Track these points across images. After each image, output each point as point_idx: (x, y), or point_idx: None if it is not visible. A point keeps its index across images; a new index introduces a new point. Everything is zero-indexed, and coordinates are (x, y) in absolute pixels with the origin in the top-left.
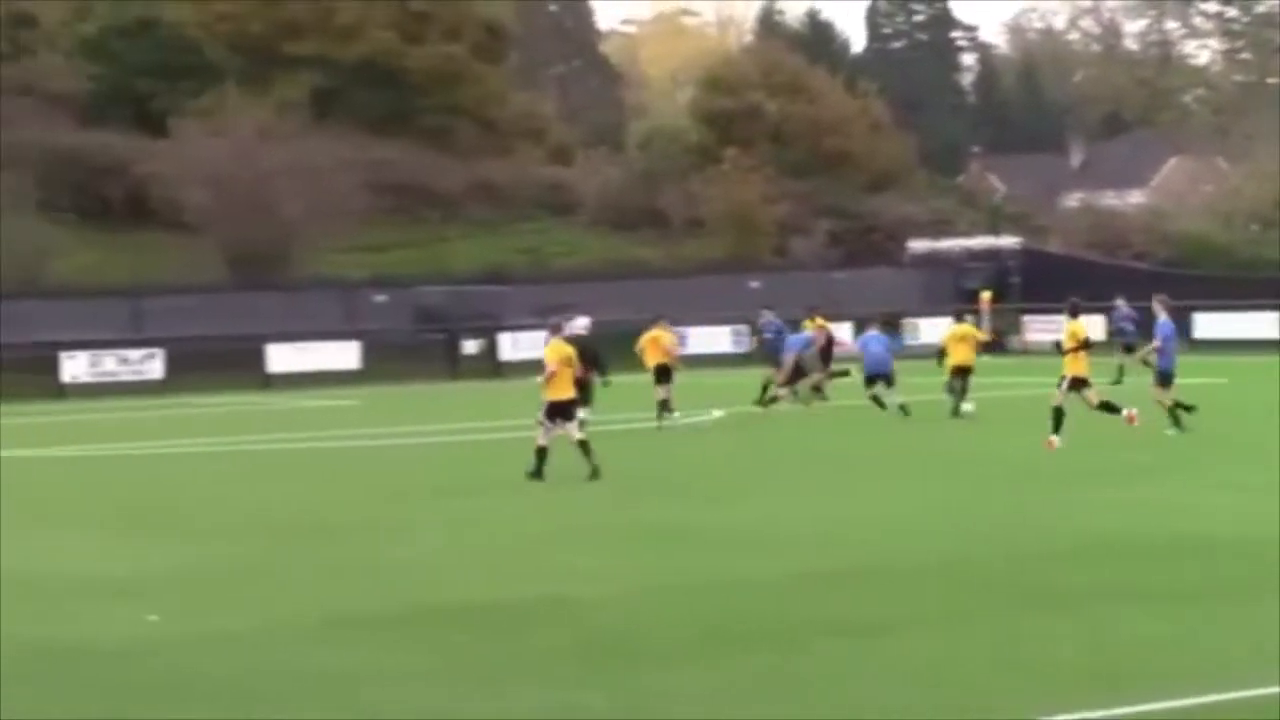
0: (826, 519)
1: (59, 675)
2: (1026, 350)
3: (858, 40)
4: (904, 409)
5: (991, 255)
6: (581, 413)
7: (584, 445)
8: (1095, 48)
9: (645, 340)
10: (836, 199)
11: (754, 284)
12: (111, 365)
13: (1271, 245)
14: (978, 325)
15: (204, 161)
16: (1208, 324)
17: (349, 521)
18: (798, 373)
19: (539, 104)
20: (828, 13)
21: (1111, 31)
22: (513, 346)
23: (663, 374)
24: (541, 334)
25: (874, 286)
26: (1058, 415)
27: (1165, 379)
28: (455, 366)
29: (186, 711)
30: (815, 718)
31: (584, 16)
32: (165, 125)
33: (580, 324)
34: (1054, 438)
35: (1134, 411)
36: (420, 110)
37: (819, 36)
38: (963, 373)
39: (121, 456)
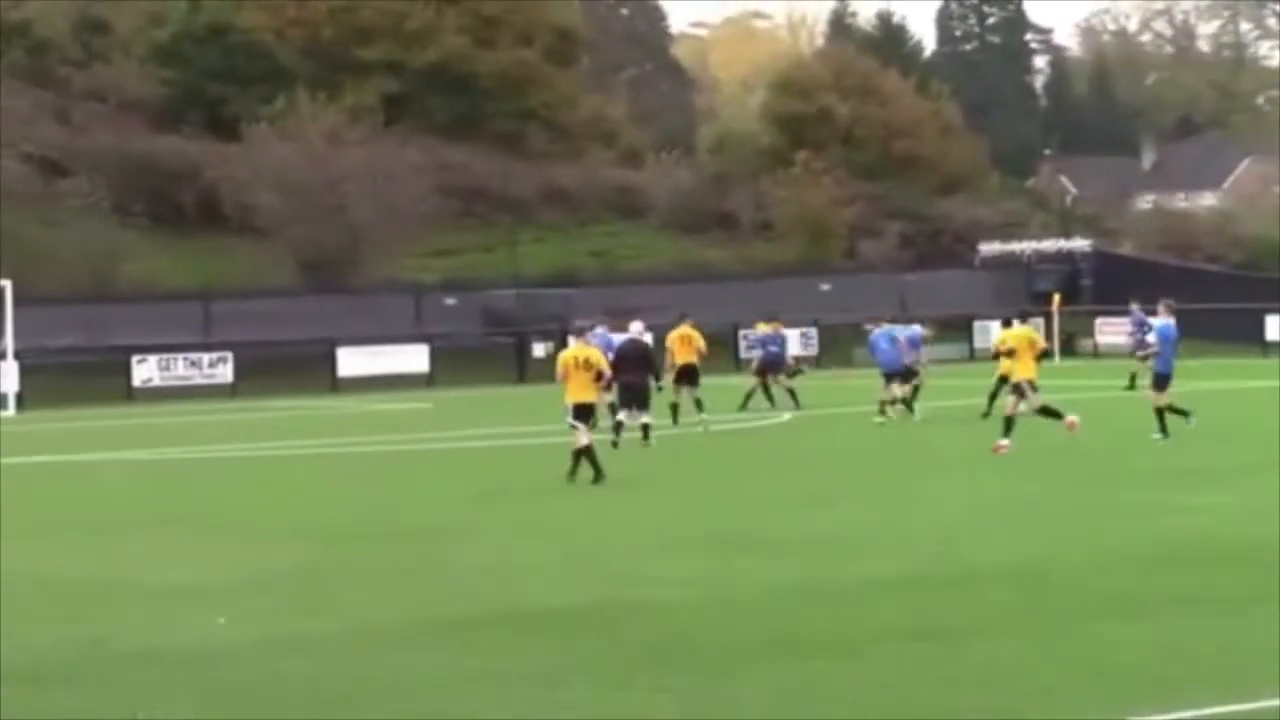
0: (892, 523)
1: (135, 680)
2: (1098, 352)
3: (929, 42)
4: (907, 405)
5: (1062, 257)
6: (644, 416)
7: (588, 451)
8: (1168, 50)
9: (674, 338)
10: (907, 201)
11: (825, 286)
12: (182, 369)
13: None
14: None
15: (275, 166)
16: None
17: (418, 525)
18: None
19: (610, 107)
20: (899, 15)
21: (1184, 33)
22: None
23: (690, 374)
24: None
25: (944, 289)
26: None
27: (1161, 381)
28: (524, 370)
29: (262, 714)
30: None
31: (655, 20)
32: (238, 130)
33: (635, 328)
34: (1004, 441)
35: (1074, 418)
36: (491, 114)
37: (890, 39)
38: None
39: (191, 460)
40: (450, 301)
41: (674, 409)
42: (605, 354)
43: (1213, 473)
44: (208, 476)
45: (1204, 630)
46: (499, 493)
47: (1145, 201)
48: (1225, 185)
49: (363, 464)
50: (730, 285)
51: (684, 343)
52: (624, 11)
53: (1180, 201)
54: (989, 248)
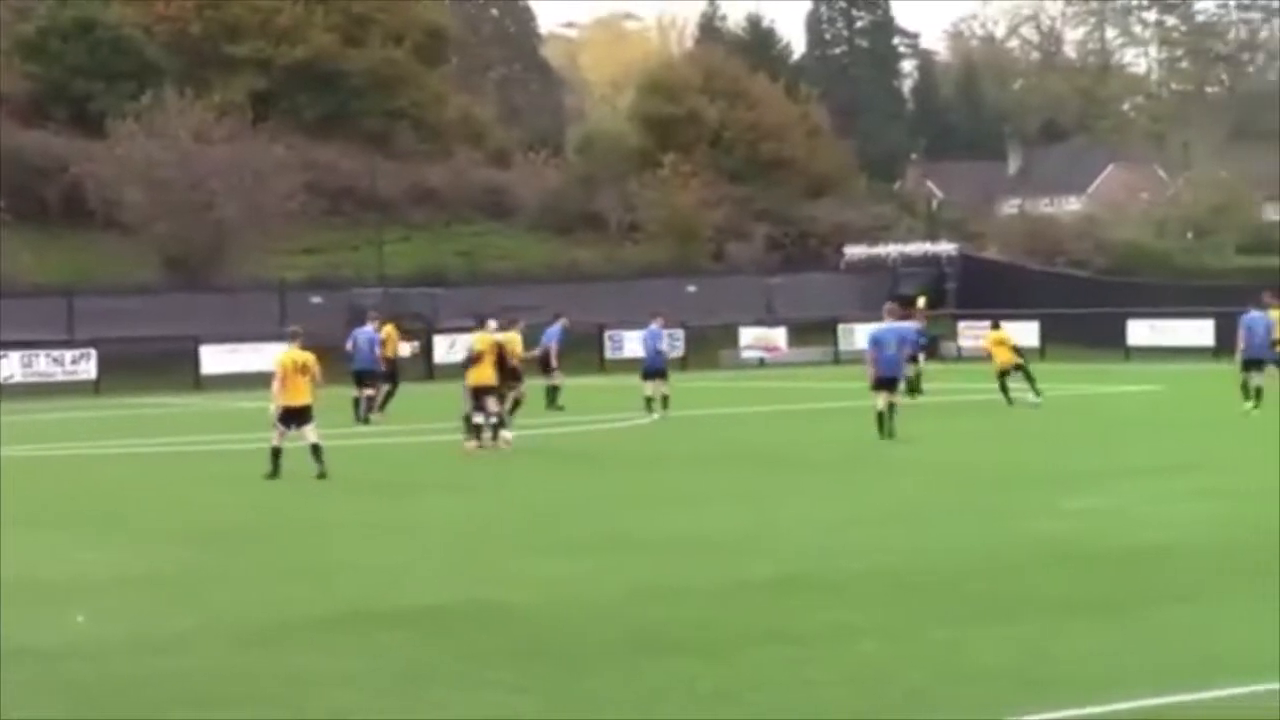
0: (760, 525)
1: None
2: (962, 356)
3: (798, 45)
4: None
5: (928, 261)
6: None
7: (315, 449)
8: (1035, 55)
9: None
10: (775, 204)
11: (691, 288)
12: (44, 366)
13: (1207, 253)
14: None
15: (142, 162)
16: (1141, 331)
17: (285, 523)
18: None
19: (479, 107)
20: (769, 18)
21: (1051, 39)
22: (448, 349)
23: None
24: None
25: (810, 292)
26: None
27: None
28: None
29: (127, 712)
30: None
31: (525, 20)
32: (104, 126)
33: (491, 327)
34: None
35: None
36: (359, 113)
37: (760, 42)
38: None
39: (54, 458)
40: (316, 300)
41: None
42: (550, 344)
43: (1081, 477)
44: (71, 474)
45: (1073, 633)
46: (363, 492)
47: (1011, 206)
48: (1090, 190)
49: (227, 462)
50: (598, 286)
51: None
52: (493, 11)
53: (1045, 206)
54: (855, 251)
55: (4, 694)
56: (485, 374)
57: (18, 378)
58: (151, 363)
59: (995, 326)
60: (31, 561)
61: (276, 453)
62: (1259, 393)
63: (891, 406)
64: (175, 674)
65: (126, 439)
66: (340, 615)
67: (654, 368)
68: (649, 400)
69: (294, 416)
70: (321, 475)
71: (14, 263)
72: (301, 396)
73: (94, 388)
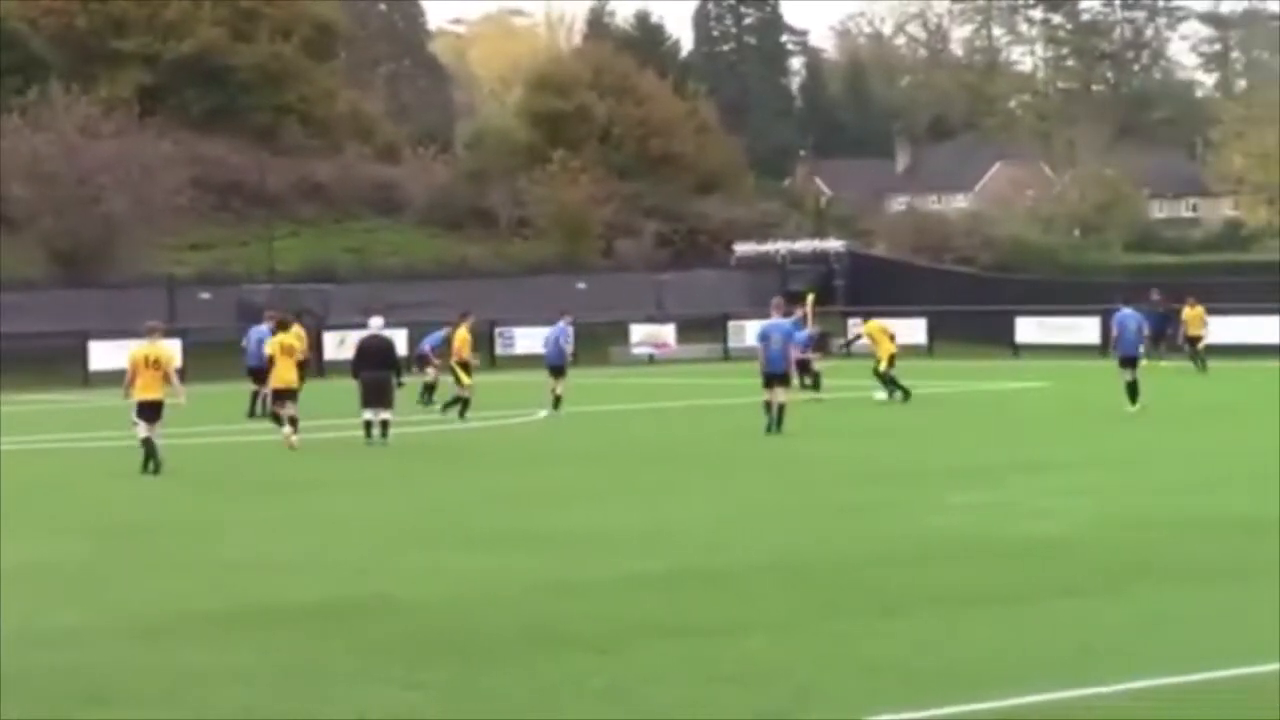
0: (653, 520)
1: None
2: (850, 353)
3: (687, 42)
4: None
5: (817, 258)
6: (385, 413)
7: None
8: (922, 53)
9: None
10: (664, 200)
11: (581, 285)
12: None
13: (1093, 250)
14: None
15: (27, 157)
16: (1029, 328)
17: (175, 519)
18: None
19: (367, 102)
20: (657, 15)
21: (938, 37)
22: (338, 345)
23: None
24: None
25: (700, 288)
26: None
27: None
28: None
29: (16, 707)
30: (636, 718)
31: (413, 16)
32: None
33: (375, 323)
34: None
35: None
36: (248, 108)
37: (648, 38)
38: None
39: None
40: (205, 296)
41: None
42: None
43: (970, 473)
44: None
45: (963, 627)
46: (254, 488)
47: (899, 203)
48: (977, 188)
49: (116, 458)
50: (488, 283)
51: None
52: (382, 7)
53: (933, 203)
54: (744, 248)
55: None
56: (286, 376)
57: None
58: (39, 358)
59: (463, 319)
60: None
61: (147, 443)
62: (1133, 387)
63: (781, 404)
64: (66, 669)
65: (15, 435)
66: (234, 611)
67: (558, 364)
68: (558, 397)
69: (149, 411)
70: (156, 470)
71: None
72: (153, 391)
73: None
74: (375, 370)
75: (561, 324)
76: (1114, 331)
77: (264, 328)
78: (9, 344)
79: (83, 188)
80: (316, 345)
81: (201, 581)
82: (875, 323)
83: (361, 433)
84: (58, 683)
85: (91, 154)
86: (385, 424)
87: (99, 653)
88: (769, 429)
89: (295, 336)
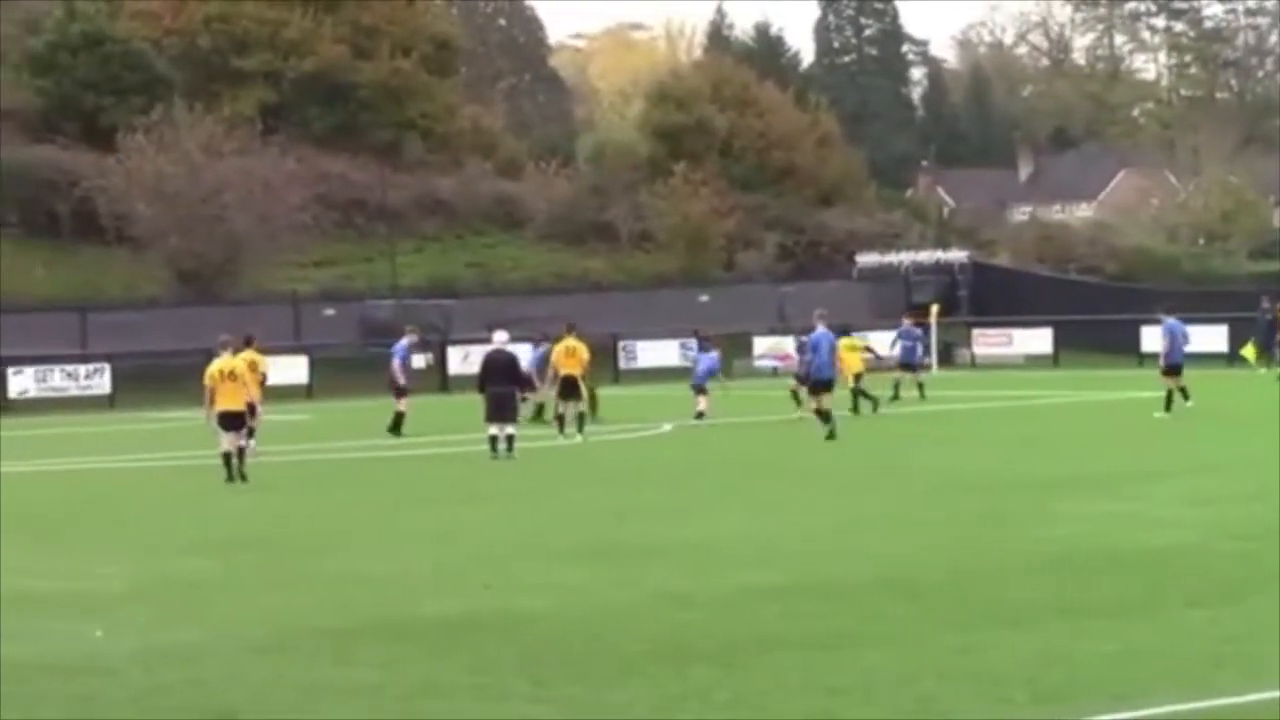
0: (768, 533)
1: (11, 691)
2: (975, 363)
3: (807, 54)
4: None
5: (940, 269)
6: (510, 428)
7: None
8: (1044, 62)
9: (559, 350)
10: (786, 212)
11: (703, 298)
12: (59, 380)
13: (1218, 258)
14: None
15: (151, 176)
16: (1155, 337)
17: (299, 535)
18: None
19: (488, 118)
20: (777, 26)
21: (1060, 46)
22: (462, 360)
23: (571, 387)
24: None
25: (822, 300)
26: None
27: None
28: None
29: None
30: None
31: (534, 31)
32: (114, 140)
33: (499, 338)
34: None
35: None
36: (369, 125)
37: (768, 50)
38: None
39: (69, 472)
40: (329, 312)
41: (560, 420)
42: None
43: (1093, 482)
44: (86, 488)
45: (1083, 638)
46: (377, 503)
47: (1022, 213)
48: (1101, 197)
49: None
50: (610, 296)
51: (568, 355)
52: (502, 22)
53: (1056, 213)
54: (867, 259)
55: (17, 709)
56: (228, 400)
57: (32, 392)
58: (166, 376)
59: (844, 334)
60: (45, 576)
61: (227, 456)
62: (1176, 395)
63: (827, 409)
64: (191, 684)
65: (141, 453)
66: (355, 626)
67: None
68: (701, 413)
69: (230, 421)
70: (242, 478)
71: (26, 278)
72: (232, 402)
73: (109, 402)
74: (500, 385)
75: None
76: (1164, 341)
77: (404, 343)
78: (135, 362)
79: (206, 206)
80: (440, 360)
81: (324, 597)
82: (845, 340)
83: (487, 447)
84: (183, 698)
85: (215, 173)
86: (510, 438)
87: (223, 668)
88: (831, 437)
89: (246, 359)
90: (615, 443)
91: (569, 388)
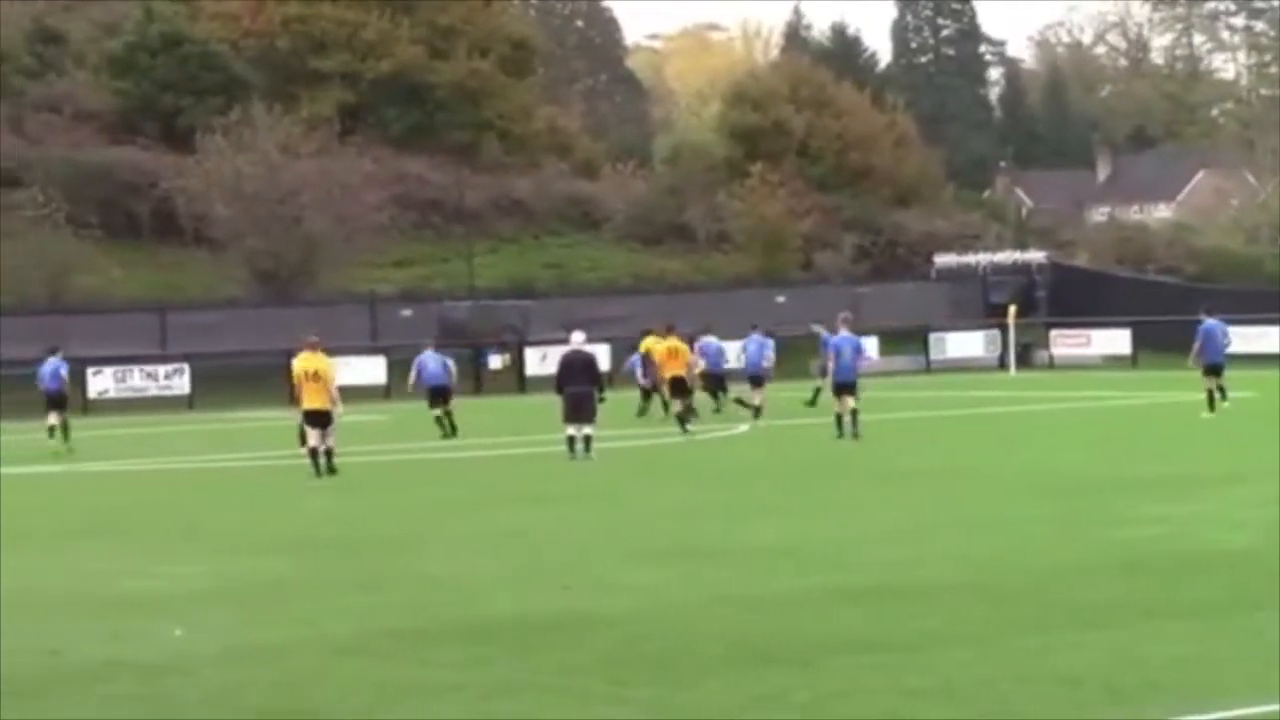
0: (848, 534)
1: (94, 692)
2: (1054, 364)
3: (884, 54)
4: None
5: (1018, 269)
6: (588, 428)
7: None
8: (1122, 62)
9: (663, 351)
10: (863, 213)
11: (780, 298)
12: (138, 380)
13: None
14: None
15: (230, 177)
16: (1233, 339)
17: (376, 536)
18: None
19: (565, 118)
20: (854, 27)
21: (1138, 46)
22: (540, 361)
23: (681, 386)
24: (560, 349)
25: (900, 300)
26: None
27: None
28: (480, 381)
29: None
30: None
31: (610, 32)
32: (192, 141)
33: (577, 339)
34: None
35: None
36: (447, 125)
37: (845, 51)
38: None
39: (148, 472)
40: (406, 313)
41: (679, 419)
42: (700, 356)
43: (1170, 483)
44: (166, 488)
45: (1164, 640)
46: (456, 504)
47: (1100, 214)
48: (1180, 197)
49: (318, 476)
50: (687, 297)
51: (671, 356)
52: (579, 23)
53: (1135, 214)
54: (944, 259)
55: (98, 709)
56: (312, 399)
57: (112, 393)
58: (245, 376)
59: (669, 332)
60: (127, 576)
61: (313, 453)
62: (1217, 394)
63: (854, 412)
64: (269, 684)
65: (220, 453)
66: (434, 626)
67: (755, 374)
68: (758, 408)
69: (313, 420)
70: (331, 470)
71: (106, 279)
72: (316, 401)
73: (188, 403)
74: (578, 385)
75: (755, 335)
76: (1198, 342)
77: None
78: (213, 362)
79: (284, 207)
80: (518, 361)
81: (404, 597)
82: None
83: (565, 448)
84: (263, 698)
85: (292, 173)
86: (589, 439)
87: (303, 668)
88: (841, 436)
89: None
90: (692, 443)
91: (679, 387)
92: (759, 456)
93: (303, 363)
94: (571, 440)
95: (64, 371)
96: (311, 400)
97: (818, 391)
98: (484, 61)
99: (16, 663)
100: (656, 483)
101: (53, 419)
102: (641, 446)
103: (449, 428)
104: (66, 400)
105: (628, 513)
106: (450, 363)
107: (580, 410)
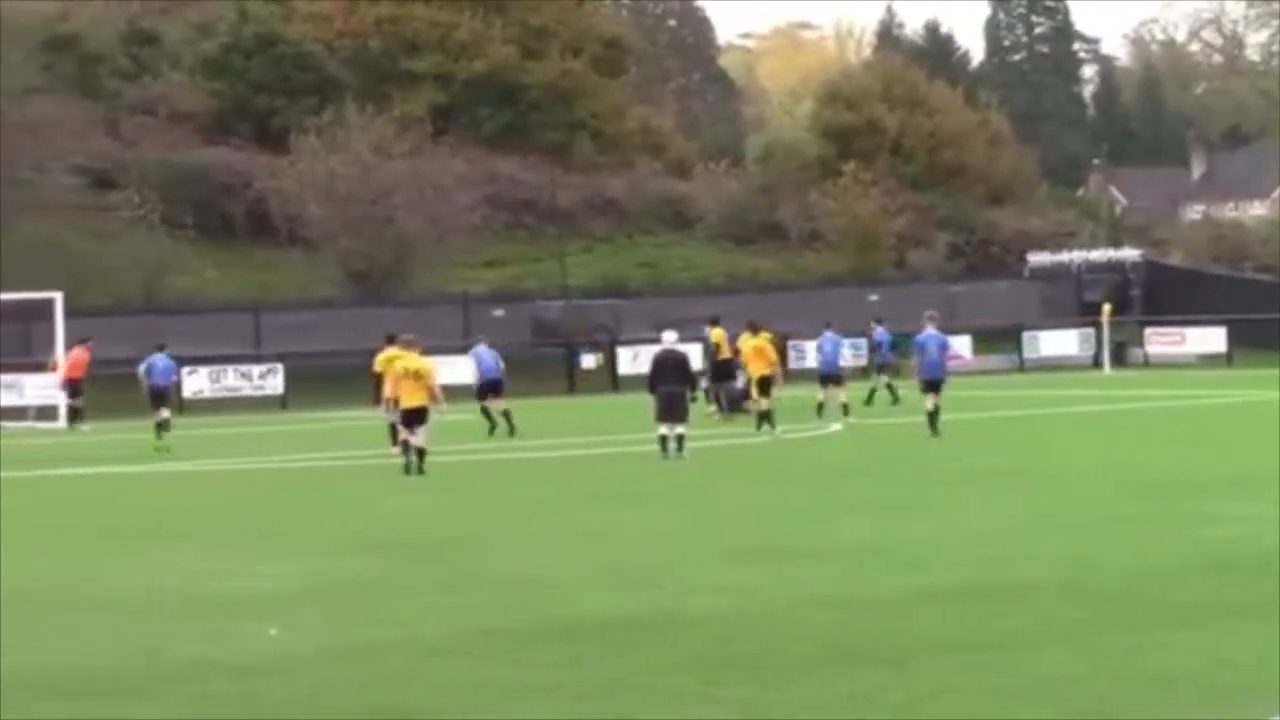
0: (934, 533)
1: (189, 691)
2: (1149, 362)
3: (977, 52)
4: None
5: (1112, 268)
6: (680, 427)
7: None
8: (1217, 59)
9: (749, 349)
10: (956, 211)
11: (873, 297)
12: (232, 380)
13: None
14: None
15: (324, 177)
16: None
17: (467, 535)
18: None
19: (658, 118)
20: (947, 25)
21: (1234, 43)
22: (632, 360)
23: (766, 385)
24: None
25: (993, 299)
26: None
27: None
28: (573, 381)
29: None
30: None
31: (703, 31)
32: (286, 142)
33: (669, 338)
34: None
35: None
36: (539, 125)
37: (938, 49)
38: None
39: (242, 471)
40: (499, 313)
41: (761, 417)
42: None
43: (1263, 482)
44: (259, 487)
45: (1256, 639)
46: (546, 503)
47: (1195, 211)
48: (1275, 195)
49: (409, 477)
50: (780, 296)
51: (759, 354)
52: (671, 22)
53: (1230, 211)
54: (1038, 258)
55: (192, 708)
56: (410, 398)
57: (206, 392)
58: (338, 376)
59: (754, 331)
60: (220, 575)
61: (405, 447)
62: None
63: (936, 410)
64: (366, 684)
65: (314, 452)
66: (527, 626)
67: (833, 373)
68: (845, 405)
69: (408, 418)
70: (420, 471)
71: (200, 279)
72: (413, 399)
73: (281, 402)
74: (670, 385)
75: (829, 333)
76: None
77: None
78: (310, 362)
79: (377, 207)
80: (610, 360)
81: (496, 596)
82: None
83: (657, 447)
84: (356, 697)
85: (386, 174)
86: (680, 438)
87: (396, 668)
88: (934, 435)
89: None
90: (784, 442)
91: (765, 386)
92: (848, 456)
93: (403, 361)
94: (664, 439)
95: (171, 369)
96: (410, 398)
97: (873, 391)
98: (576, 61)
99: (110, 663)
100: (745, 482)
101: (164, 413)
102: (731, 445)
103: (508, 425)
104: (169, 398)
105: (716, 512)
106: (499, 358)
107: (672, 410)
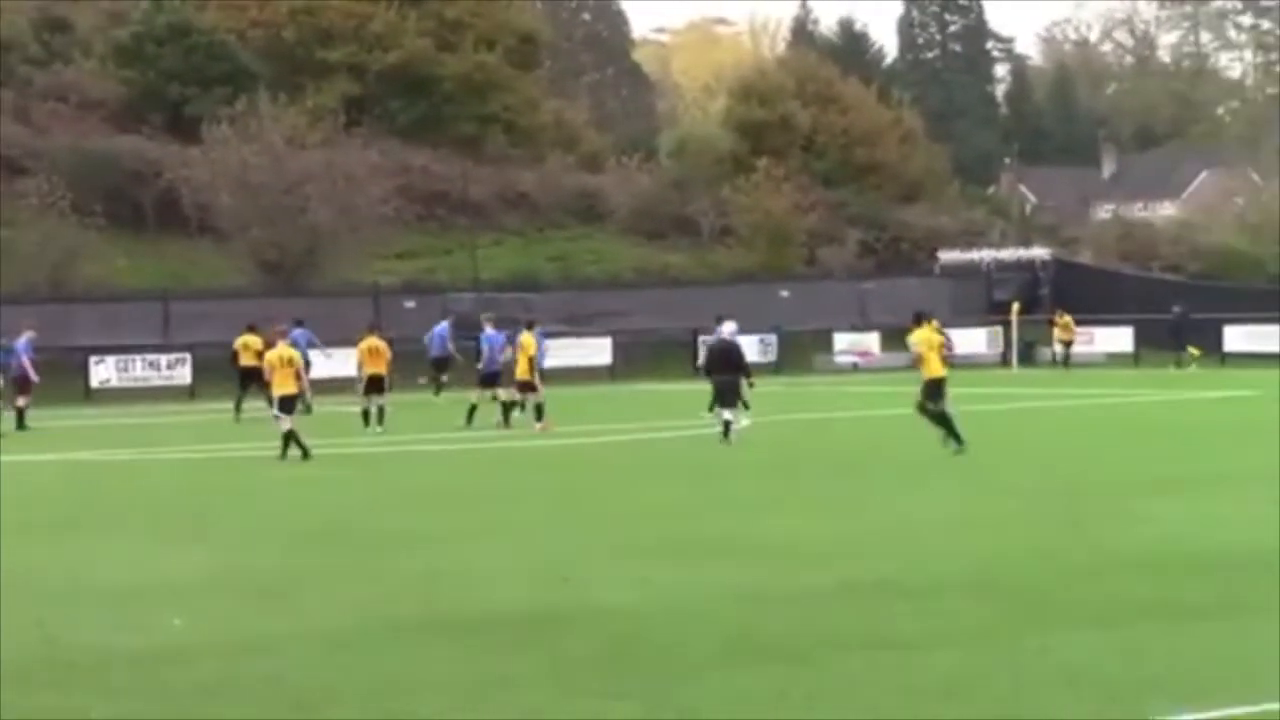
0: (846, 531)
1: (89, 680)
2: (1056, 360)
3: (891, 50)
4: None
5: (1022, 266)
6: (727, 413)
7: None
8: (1129, 60)
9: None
10: (868, 209)
11: (784, 293)
12: (140, 370)
13: None
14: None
15: (235, 167)
16: (1237, 337)
17: (375, 528)
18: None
19: (571, 112)
20: (861, 23)
21: (1145, 44)
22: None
23: (377, 384)
24: (566, 341)
25: (904, 296)
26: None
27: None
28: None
29: (218, 714)
30: None
31: (617, 25)
32: (198, 131)
33: (728, 329)
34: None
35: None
36: (452, 118)
37: (852, 47)
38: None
39: (149, 462)
40: (410, 305)
41: (369, 415)
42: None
43: (1173, 482)
44: (166, 478)
45: (1167, 638)
46: (454, 496)
47: (1105, 211)
48: (1184, 195)
49: (320, 467)
50: (690, 291)
51: (372, 354)
52: (585, 16)
53: (1139, 211)
54: (949, 256)
55: (94, 698)
56: (284, 385)
57: (114, 382)
58: None
59: (919, 322)
60: (125, 565)
61: (287, 438)
62: None
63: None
64: (267, 677)
65: (222, 443)
66: (431, 620)
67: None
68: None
69: (284, 405)
70: (305, 456)
71: (110, 268)
72: (288, 387)
73: (190, 392)
74: (724, 373)
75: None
76: None
77: (444, 325)
78: (219, 352)
79: (289, 198)
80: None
81: (402, 589)
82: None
83: (720, 430)
84: (261, 690)
85: (298, 164)
86: (728, 424)
87: (299, 660)
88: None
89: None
90: (693, 439)
91: (374, 385)
92: (762, 452)
93: (276, 351)
94: (727, 425)
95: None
96: (285, 386)
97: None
98: (490, 54)
99: (9, 653)
100: (655, 478)
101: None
102: (638, 441)
103: (503, 416)
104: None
105: (627, 509)
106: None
107: (725, 396)
